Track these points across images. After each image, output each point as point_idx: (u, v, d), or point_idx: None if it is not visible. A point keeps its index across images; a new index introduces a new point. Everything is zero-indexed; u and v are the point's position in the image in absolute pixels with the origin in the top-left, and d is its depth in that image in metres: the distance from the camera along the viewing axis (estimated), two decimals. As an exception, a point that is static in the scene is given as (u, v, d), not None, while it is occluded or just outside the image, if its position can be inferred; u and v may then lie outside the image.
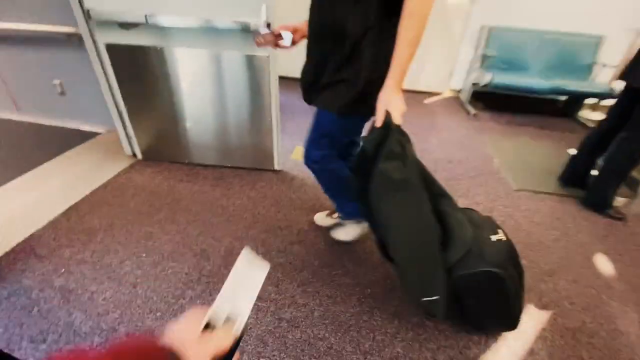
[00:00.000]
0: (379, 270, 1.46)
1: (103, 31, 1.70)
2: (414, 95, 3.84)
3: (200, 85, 1.84)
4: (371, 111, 0.96)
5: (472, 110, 3.35)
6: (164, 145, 2.13)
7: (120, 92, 1.91)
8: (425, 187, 0.99)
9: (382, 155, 0.91)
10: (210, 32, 1.65)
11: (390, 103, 0.89)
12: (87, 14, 1.62)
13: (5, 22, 2.09)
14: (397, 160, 0.92)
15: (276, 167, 2.15)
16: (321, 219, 1.71)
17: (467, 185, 2.14)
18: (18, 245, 1.50)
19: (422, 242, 1.01)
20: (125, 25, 1.66)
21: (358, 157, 1.03)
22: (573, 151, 2.15)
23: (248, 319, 0.43)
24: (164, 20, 1.61)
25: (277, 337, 1.18)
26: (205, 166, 2.17)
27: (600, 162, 1.98)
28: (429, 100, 3.74)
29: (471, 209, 1.24)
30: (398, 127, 0.91)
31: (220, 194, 1.93)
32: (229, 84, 1.84)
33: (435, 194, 1.07)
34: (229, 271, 0.45)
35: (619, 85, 2.01)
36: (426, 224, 0.99)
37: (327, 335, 1.20)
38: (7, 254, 1.45)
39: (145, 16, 1.58)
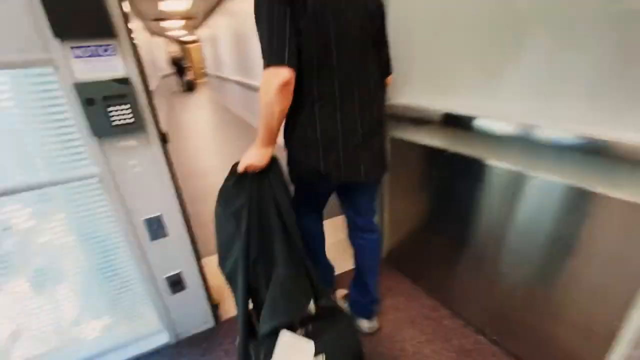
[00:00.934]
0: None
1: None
2: None
3: (513, 216, 1.03)
4: (299, 178, 1.06)
5: None
6: (418, 261, 1.51)
7: (390, 184, 1.48)
8: (262, 243, 0.96)
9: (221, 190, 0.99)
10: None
11: (246, 153, 0.95)
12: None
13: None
14: (229, 197, 0.97)
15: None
16: None
17: None
18: (223, 322, 1.41)
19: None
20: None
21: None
22: None
23: None
24: (486, 123, 0.98)
25: None
26: (475, 328, 1.27)
27: None
28: None
29: (332, 306, 1.02)
30: (239, 173, 0.96)
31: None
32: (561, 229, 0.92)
33: (271, 256, 0.97)
34: None
35: None
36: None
37: None
38: (215, 328, 1.39)
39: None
